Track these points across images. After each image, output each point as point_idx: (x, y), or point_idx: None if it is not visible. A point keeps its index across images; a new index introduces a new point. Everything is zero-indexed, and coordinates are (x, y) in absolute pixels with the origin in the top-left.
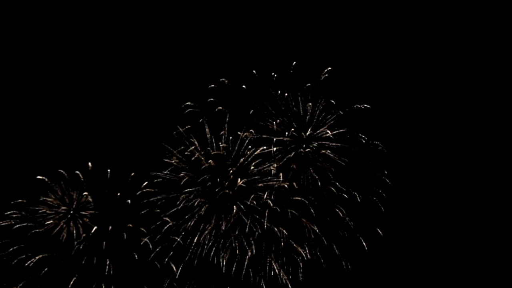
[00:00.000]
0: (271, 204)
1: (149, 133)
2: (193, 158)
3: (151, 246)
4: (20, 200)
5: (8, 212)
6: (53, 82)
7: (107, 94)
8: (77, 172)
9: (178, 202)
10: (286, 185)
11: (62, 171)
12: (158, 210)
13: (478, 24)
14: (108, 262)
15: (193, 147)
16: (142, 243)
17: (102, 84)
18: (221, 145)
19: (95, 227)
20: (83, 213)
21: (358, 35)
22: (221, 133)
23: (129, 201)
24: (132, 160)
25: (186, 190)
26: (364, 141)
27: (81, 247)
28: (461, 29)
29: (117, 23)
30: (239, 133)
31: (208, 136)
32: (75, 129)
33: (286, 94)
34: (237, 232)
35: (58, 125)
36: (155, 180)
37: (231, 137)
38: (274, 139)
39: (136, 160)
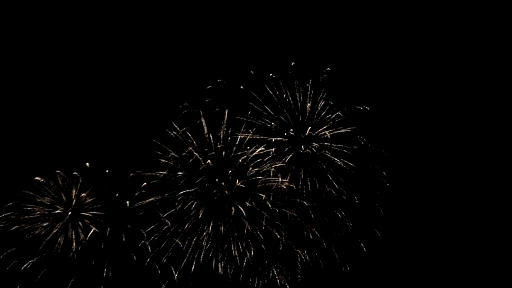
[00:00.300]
0: (270, 206)
1: (147, 134)
2: (191, 160)
3: (149, 249)
4: (17, 202)
5: (4, 214)
6: (50, 82)
7: (104, 94)
8: (75, 173)
9: (176, 203)
10: (284, 186)
11: (59, 171)
12: (158, 212)
13: (477, 26)
14: (106, 264)
15: (191, 148)
16: (140, 245)
17: (99, 84)
18: (219, 146)
19: (93, 229)
20: (83, 214)
21: (356, 35)
22: (219, 133)
23: (127, 202)
24: (130, 161)
25: (184, 191)
26: (363, 143)
27: (79, 248)
28: (460, 31)
29: (114, 24)
30: (237, 133)
31: (206, 136)
32: (72, 129)
33: (284, 95)
34: (235, 234)
35: (55, 125)
36: (152, 181)
37: (229, 138)
38: (273, 140)
39: (134, 161)
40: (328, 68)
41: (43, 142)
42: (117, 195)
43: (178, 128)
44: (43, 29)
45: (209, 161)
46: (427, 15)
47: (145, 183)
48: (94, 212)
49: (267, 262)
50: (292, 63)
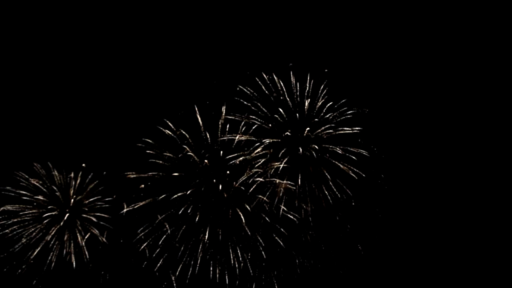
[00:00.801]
0: (267, 208)
1: (143, 135)
2: (186, 161)
3: (147, 252)
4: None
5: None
6: (46, 82)
7: (101, 95)
8: (70, 175)
9: (173, 205)
10: (282, 188)
11: (55, 173)
12: (157, 214)
13: (473, 30)
14: (104, 266)
15: (187, 148)
16: (137, 248)
17: (96, 85)
18: (216, 147)
19: (93, 231)
20: (84, 216)
21: (354, 36)
22: (216, 134)
23: (124, 204)
24: (125, 161)
25: (181, 193)
26: (360, 144)
27: (76, 250)
28: (457, 34)
29: (105, 25)
30: (234, 134)
31: (203, 137)
32: (64, 129)
33: (281, 97)
34: (233, 237)
35: (51, 125)
36: (149, 183)
37: (226, 139)
38: (271, 141)
39: (129, 162)
40: (326, 70)
41: (35, 143)
42: (114, 196)
43: (175, 130)
44: (35, 29)
45: (206, 161)
46: (427, 16)
47: (142, 185)
48: (96, 214)
49: (264, 265)
50: (290, 64)
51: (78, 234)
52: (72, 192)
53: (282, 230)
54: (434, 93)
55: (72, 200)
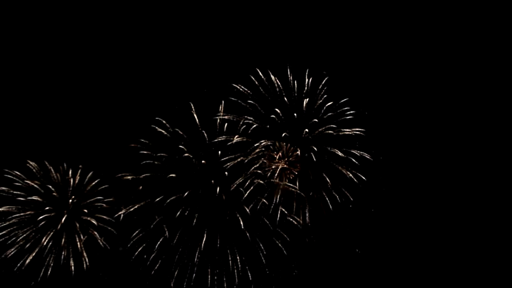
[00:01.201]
0: (265, 209)
1: (140, 135)
2: (186, 161)
3: (144, 256)
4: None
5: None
6: (42, 81)
7: (97, 94)
8: (68, 177)
9: (171, 207)
10: (281, 190)
11: (52, 172)
12: (155, 216)
13: (473, 30)
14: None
15: (185, 149)
16: (135, 252)
17: (91, 83)
18: (213, 148)
19: (89, 236)
20: (84, 218)
21: (354, 33)
22: (214, 135)
23: (122, 206)
24: (122, 163)
25: (178, 195)
26: (359, 147)
27: (76, 255)
28: (458, 35)
29: (103, 25)
30: (232, 136)
31: (200, 137)
32: (65, 129)
33: (279, 99)
34: (233, 242)
35: (46, 123)
36: (146, 184)
37: (224, 138)
38: (269, 142)
39: (126, 163)
40: (324, 72)
41: (30, 141)
42: (112, 198)
43: (168, 126)
44: (33, 30)
45: (203, 161)
46: (428, 17)
47: (141, 187)
48: (96, 215)
49: (262, 267)
50: (288, 64)
51: (77, 237)
52: (70, 192)
53: (280, 231)
54: (435, 94)
55: (70, 200)
